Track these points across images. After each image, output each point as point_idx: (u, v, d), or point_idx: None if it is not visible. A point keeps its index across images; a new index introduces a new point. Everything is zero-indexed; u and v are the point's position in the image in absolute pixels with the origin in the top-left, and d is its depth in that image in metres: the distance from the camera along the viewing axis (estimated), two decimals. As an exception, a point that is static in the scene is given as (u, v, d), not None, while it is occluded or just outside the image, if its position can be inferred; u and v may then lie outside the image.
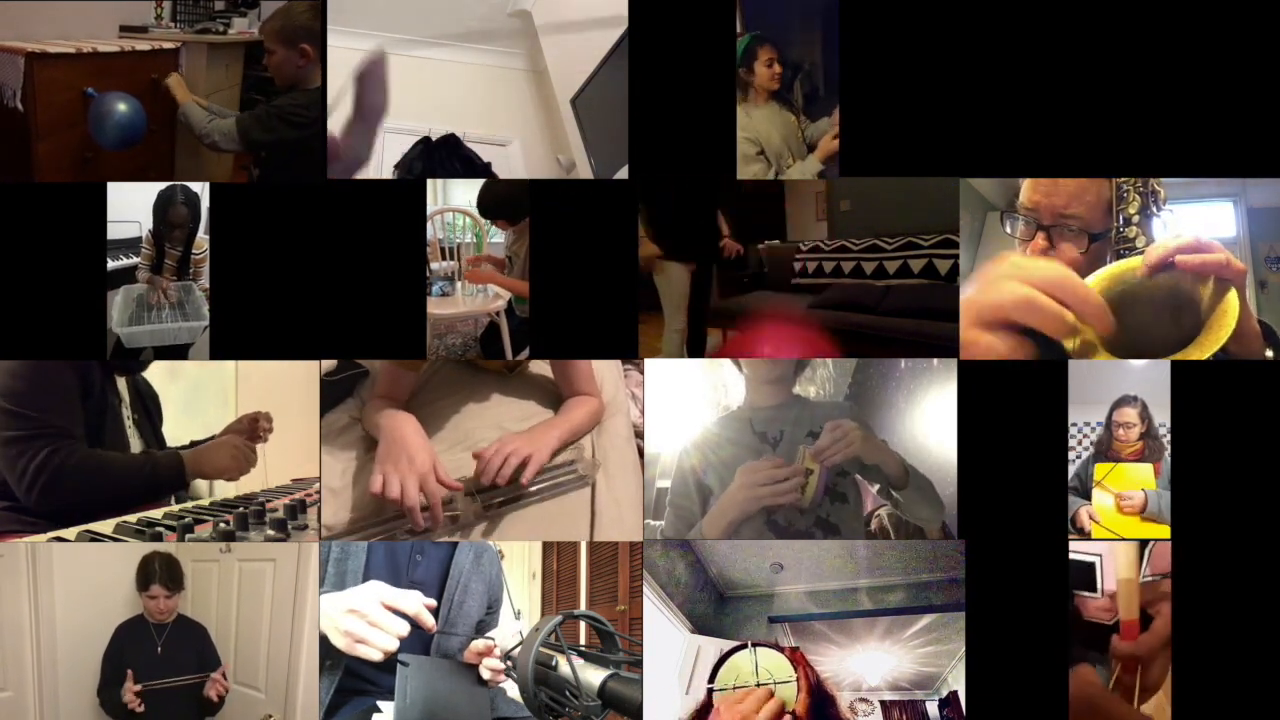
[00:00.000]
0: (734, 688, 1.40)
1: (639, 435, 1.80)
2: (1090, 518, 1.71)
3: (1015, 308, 1.31)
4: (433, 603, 1.44)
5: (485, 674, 1.52)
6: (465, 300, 1.97)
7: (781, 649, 1.37)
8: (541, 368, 1.91)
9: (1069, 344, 1.37)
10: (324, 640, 1.44)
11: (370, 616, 1.36)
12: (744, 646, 1.38)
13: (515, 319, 1.89)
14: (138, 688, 1.72)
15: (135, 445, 1.85)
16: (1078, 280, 1.37)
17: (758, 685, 1.33)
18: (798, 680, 1.32)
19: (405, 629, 1.37)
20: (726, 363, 1.73)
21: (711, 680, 1.37)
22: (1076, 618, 1.68)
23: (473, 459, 1.61)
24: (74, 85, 1.79)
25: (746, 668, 1.36)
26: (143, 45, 1.88)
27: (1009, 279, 1.32)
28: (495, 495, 1.61)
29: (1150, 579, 1.67)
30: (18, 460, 1.67)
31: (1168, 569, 1.67)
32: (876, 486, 1.65)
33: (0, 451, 1.69)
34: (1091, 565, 1.69)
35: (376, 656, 1.35)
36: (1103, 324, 1.35)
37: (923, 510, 1.65)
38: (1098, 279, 1.50)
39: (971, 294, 1.38)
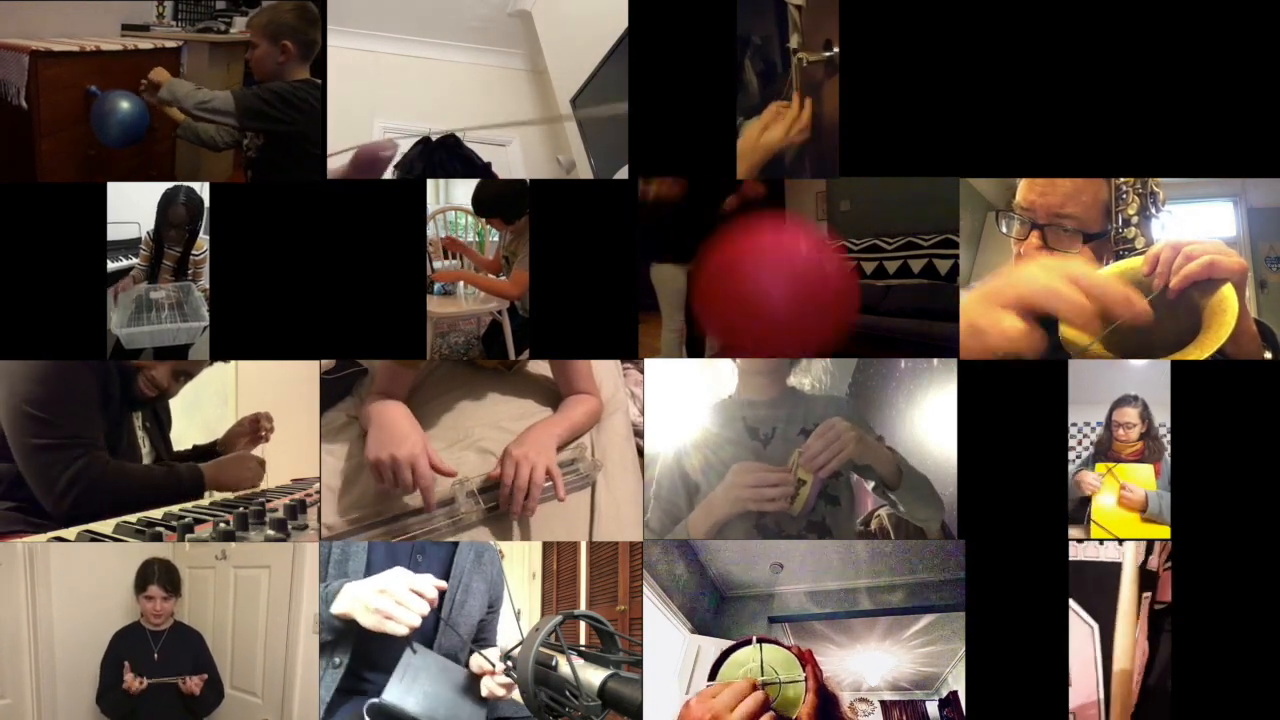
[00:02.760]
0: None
1: (638, 434, 1.80)
2: (1092, 483, 1.72)
3: (1039, 293, 1.32)
4: (444, 584, 1.52)
5: (484, 692, 1.53)
6: (467, 299, 1.97)
7: (789, 647, 1.35)
8: (540, 366, 1.90)
9: (1083, 341, 1.37)
10: (334, 633, 1.50)
11: (398, 596, 1.44)
12: (748, 642, 1.36)
13: (518, 318, 1.89)
14: (136, 677, 1.73)
15: (145, 451, 1.85)
16: (1101, 273, 1.38)
17: (763, 684, 1.30)
18: (806, 680, 1.30)
19: (427, 609, 1.45)
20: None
21: (712, 677, 1.35)
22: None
23: (494, 475, 1.63)
24: (77, 83, 1.79)
25: (751, 664, 1.34)
26: (145, 44, 1.89)
27: (1034, 267, 1.34)
28: (495, 496, 1.61)
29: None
30: (49, 469, 1.68)
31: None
32: (872, 484, 1.65)
33: (29, 458, 1.69)
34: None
35: (402, 631, 1.43)
36: (1133, 311, 1.35)
37: (921, 510, 1.65)
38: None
39: (992, 280, 1.39)
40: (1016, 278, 1.36)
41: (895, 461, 1.63)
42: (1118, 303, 1.35)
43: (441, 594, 1.52)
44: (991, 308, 1.35)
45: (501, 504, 1.61)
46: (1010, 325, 1.33)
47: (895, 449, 1.66)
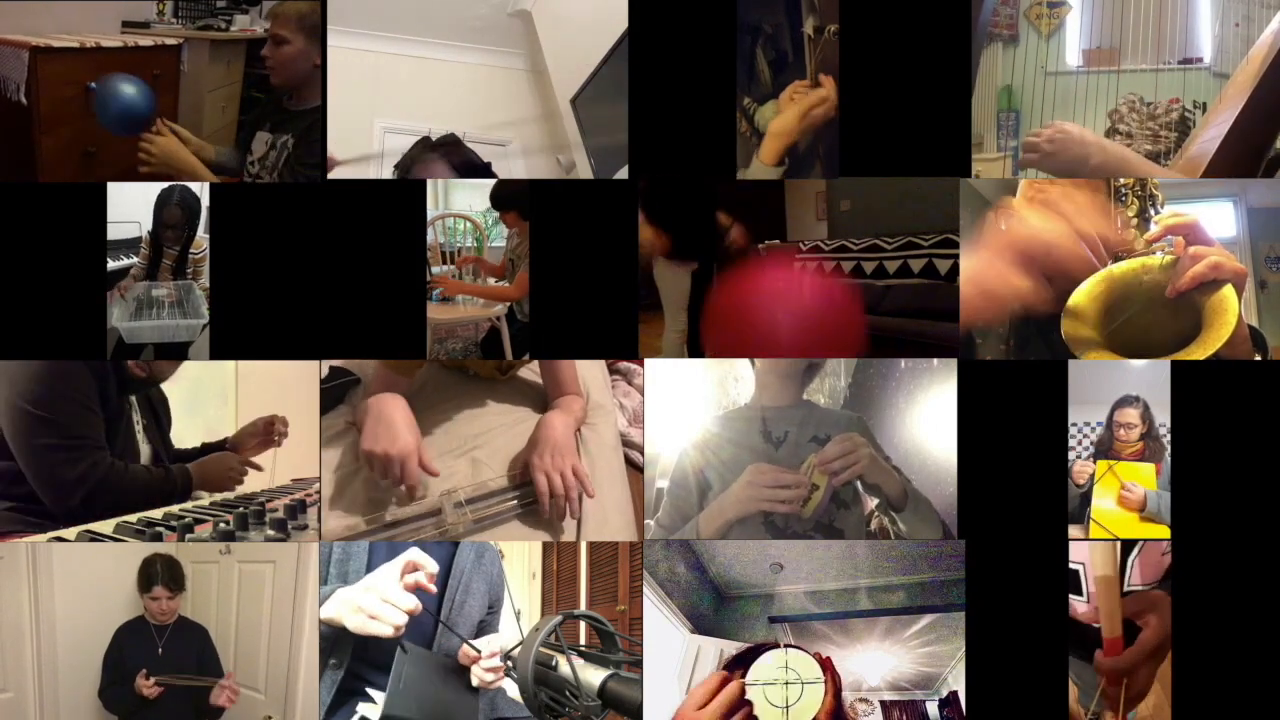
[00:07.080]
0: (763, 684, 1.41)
1: (626, 444, 1.81)
2: (1085, 471, 1.72)
3: (1038, 247, 1.39)
4: (435, 570, 1.46)
5: (475, 681, 1.53)
6: (465, 304, 1.97)
7: (812, 654, 1.37)
8: (531, 373, 1.91)
9: (1085, 331, 1.39)
10: (333, 634, 1.46)
11: (384, 593, 1.38)
12: (775, 645, 1.38)
13: (516, 323, 1.90)
14: (151, 681, 1.72)
15: (144, 451, 1.85)
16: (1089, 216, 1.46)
17: (785, 684, 1.33)
18: (825, 683, 1.32)
19: (417, 605, 1.38)
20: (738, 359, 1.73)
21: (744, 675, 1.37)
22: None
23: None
24: (77, 80, 1.79)
25: (776, 667, 1.37)
26: (145, 41, 1.89)
27: (1034, 219, 1.40)
28: (486, 506, 1.62)
29: (1138, 589, 1.66)
30: (57, 469, 1.68)
31: (1156, 578, 1.67)
32: (877, 502, 1.65)
33: (35, 458, 1.68)
34: (1076, 572, 1.69)
35: (388, 631, 1.37)
36: (1120, 237, 1.45)
37: (922, 530, 1.65)
38: (1099, 279, 1.51)
39: (990, 239, 1.45)
40: (1031, 228, 1.42)
41: (903, 485, 1.63)
42: (1108, 230, 1.42)
43: (436, 588, 1.47)
44: (995, 264, 1.40)
45: (542, 514, 1.62)
46: (1019, 283, 1.37)
47: (902, 471, 1.65)
